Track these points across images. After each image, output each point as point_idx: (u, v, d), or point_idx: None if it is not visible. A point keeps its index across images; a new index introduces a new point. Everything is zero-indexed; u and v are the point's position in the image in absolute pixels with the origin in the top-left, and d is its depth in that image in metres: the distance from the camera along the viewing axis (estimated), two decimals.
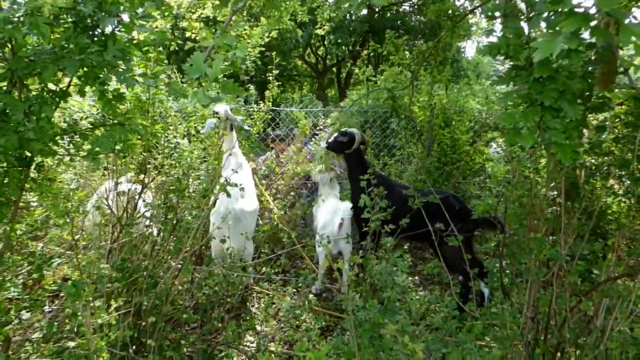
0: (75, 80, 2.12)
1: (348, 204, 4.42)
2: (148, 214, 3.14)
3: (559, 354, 2.18)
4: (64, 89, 2.08)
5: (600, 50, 1.92)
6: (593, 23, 1.49)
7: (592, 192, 3.50)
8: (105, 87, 1.99)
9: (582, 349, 2.13)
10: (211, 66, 1.57)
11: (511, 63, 1.87)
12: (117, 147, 2.18)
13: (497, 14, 1.86)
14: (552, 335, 2.25)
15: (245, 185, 3.79)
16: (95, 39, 1.86)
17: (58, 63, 1.72)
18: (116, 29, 1.93)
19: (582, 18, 1.47)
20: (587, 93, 2.36)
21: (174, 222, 3.05)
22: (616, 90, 3.15)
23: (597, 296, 2.19)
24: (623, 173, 3.38)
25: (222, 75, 1.71)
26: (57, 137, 2.21)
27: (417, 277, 4.84)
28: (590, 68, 2.03)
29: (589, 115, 2.71)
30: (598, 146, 3.26)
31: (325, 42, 18.11)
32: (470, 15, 6.46)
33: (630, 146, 2.99)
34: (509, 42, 1.77)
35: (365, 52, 17.12)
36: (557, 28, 1.52)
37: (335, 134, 4.58)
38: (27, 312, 2.79)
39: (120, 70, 1.86)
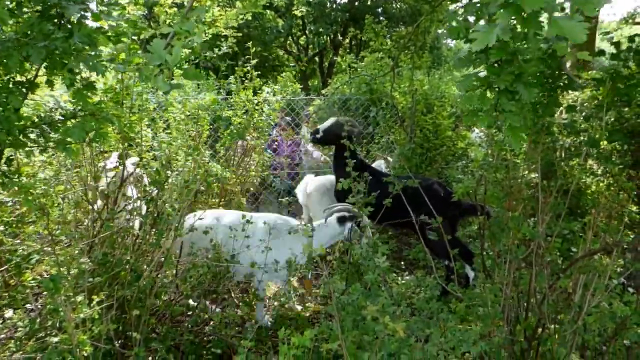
0: (44, 71, 2.07)
1: (318, 177, 4.67)
2: (129, 207, 3.09)
3: (539, 330, 2.22)
4: (31, 79, 2.02)
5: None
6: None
7: (570, 171, 3.54)
8: (74, 76, 1.94)
9: (562, 325, 2.17)
10: (171, 53, 1.55)
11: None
12: (90, 136, 2.13)
13: None
14: (533, 312, 2.29)
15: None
16: (61, 26, 1.80)
17: (22, 50, 1.67)
18: (83, 18, 1.88)
19: (515, 9, 1.51)
20: (557, 72, 2.38)
21: (155, 214, 3.01)
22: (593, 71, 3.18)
23: (575, 273, 2.23)
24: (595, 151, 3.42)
25: (198, 62, 1.69)
26: (28, 130, 2.15)
27: (402, 262, 4.87)
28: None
29: (561, 95, 2.72)
30: (570, 126, 3.29)
31: (307, 32, 17.98)
32: (448, 1, 6.48)
33: (601, 124, 3.03)
34: (468, 26, 1.79)
35: (347, 40, 17.02)
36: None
37: (329, 124, 4.36)
38: (9, 310, 2.75)
39: (88, 56, 1.81)
